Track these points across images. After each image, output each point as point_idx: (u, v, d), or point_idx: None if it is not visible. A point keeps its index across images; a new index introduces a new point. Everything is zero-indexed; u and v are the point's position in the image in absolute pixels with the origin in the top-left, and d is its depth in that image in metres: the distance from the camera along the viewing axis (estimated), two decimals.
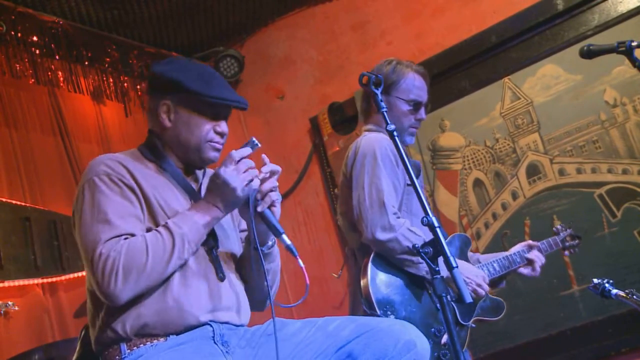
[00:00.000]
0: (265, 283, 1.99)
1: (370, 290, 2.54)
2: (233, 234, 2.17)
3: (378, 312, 2.49)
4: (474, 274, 2.70)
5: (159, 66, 2.13)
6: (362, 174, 2.68)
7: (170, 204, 2.00)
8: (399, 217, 2.62)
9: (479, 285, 2.68)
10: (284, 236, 1.95)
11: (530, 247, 3.03)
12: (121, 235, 1.86)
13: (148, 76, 2.13)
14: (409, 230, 2.56)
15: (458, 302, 2.63)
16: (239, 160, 1.93)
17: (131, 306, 1.87)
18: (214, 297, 1.96)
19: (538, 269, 3.00)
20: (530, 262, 2.99)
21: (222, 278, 1.99)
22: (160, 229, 1.90)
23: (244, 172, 1.93)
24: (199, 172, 2.17)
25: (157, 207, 1.97)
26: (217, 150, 2.09)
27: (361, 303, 2.56)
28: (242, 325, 2.03)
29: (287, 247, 1.95)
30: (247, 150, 1.96)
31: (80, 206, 1.94)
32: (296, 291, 4.81)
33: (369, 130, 2.87)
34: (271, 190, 1.98)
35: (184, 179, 2.09)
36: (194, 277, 1.94)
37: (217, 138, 2.08)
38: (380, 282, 2.58)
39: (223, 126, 2.09)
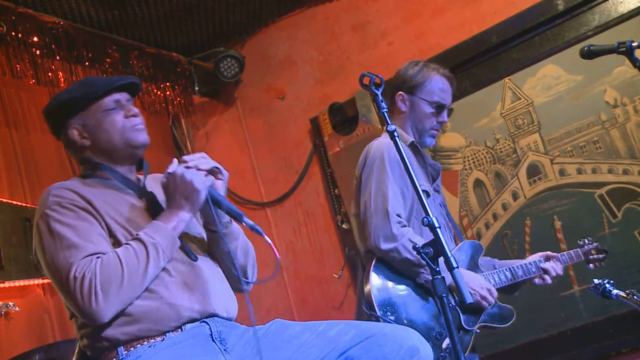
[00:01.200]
0: (233, 262, 2.02)
1: (372, 292, 2.54)
2: (197, 225, 2.17)
3: (378, 312, 2.48)
4: (478, 285, 2.66)
5: (46, 107, 2.14)
6: (370, 180, 2.69)
7: (124, 214, 1.98)
8: (403, 226, 2.61)
9: (484, 298, 2.64)
10: (245, 218, 1.96)
11: (547, 258, 3.01)
12: (92, 255, 1.84)
13: (46, 122, 2.18)
14: (410, 241, 2.55)
15: (461, 305, 2.62)
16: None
17: (119, 314, 1.85)
18: (197, 287, 1.96)
19: (549, 280, 2.97)
20: (545, 272, 2.96)
21: (195, 259, 1.99)
22: (131, 241, 1.88)
23: (197, 167, 1.96)
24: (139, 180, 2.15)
25: (113, 222, 1.95)
26: (142, 130, 2.08)
27: (362, 304, 2.56)
28: (230, 318, 2.02)
29: (252, 228, 1.94)
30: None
31: (40, 241, 1.90)
32: (296, 291, 4.81)
33: (385, 132, 2.86)
34: (213, 172, 2.01)
35: (127, 179, 2.08)
36: (173, 272, 1.94)
37: (135, 120, 2.07)
38: (382, 284, 2.58)
39: (132, 108, 2.08)
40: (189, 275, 1.97)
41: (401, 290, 2.60)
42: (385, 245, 2.57)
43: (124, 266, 1.81)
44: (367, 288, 2.56)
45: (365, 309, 2.52)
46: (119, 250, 1.85)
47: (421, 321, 2.54)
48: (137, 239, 1.88)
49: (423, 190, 2.70)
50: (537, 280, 2.98)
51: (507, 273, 2.86)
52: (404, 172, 2.68)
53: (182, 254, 2.00)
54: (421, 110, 2.83)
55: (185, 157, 2.00)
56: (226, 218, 2.06)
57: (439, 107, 2.85)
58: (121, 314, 1.85)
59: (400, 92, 2.84)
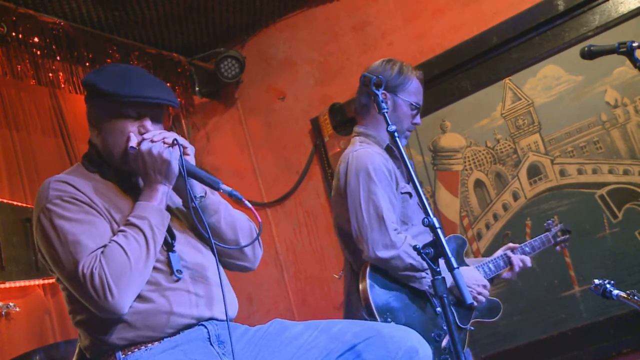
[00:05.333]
0: (209, 236, 1.93)
1: (370, 297, 2.54)
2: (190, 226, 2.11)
3: (378, 319, 2.49)
4: (475, 281, 2.71)
5: (84, 77, 2.07)
6: (357, 192, 2.66)
7: (124, 210, 1.95)
8: (399, 233, 2.61)
9: (480, 294, 2.70)
10: (222, 185, 1.94)
11: (511, 250, 3.02)
12: (95, 250, 1.82)
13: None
14: (410, 246, 2.54)
15: (457, 304, 2.64)
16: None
17: (117, 321, 1.84)
18: (194, 292, 1.94)
19: (517, 270, 2.96)
20: (511, 265, 2.96)
21: (179, 271, 1.93)
22: (123, 227, 1.86)
23: (162, 140, 1.92)
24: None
25: (110, 218, 1.92)
26: None
27: (358, 310, 2.55)
28: (224, 320, 1.96)
29: (230, 194, 1.93)
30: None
31: (44, 237, 1.87)
32: (296, 291, 4.81)
33: (358, 135, 2.87)
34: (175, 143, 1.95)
35: (125, 181, 2.02)
36: (167, 278, 1.92)
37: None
38: (379, 288, 2.58)
39: (148, 125, 1.98)
40: (185, 281, 1.94)
41: (398, 293, 2.61)
42: (385, 254, 2.55)
43: (128, 253, 1.80)
44: (363, 293, 2.56)
45: (365, 315, 2.51)
46: (117, 238, 1.83)
47: (418, 323, 2.55)
48: (130, 224, 1.86)
49: (406, 192, 2.72)
50: (505, 274, 2.98)
51: (485, 268, 2.87)
52: (390, 181, 2.69)
53: (167, 261, 1.95)
54: (402, 110, 2.84)
55: (145, 135, 1.95)
56: (200, 192, 2.01)
57: (417, 109, 2.87)
58: (119, 321, 1.84)
59: (383, 91, 2.82)
